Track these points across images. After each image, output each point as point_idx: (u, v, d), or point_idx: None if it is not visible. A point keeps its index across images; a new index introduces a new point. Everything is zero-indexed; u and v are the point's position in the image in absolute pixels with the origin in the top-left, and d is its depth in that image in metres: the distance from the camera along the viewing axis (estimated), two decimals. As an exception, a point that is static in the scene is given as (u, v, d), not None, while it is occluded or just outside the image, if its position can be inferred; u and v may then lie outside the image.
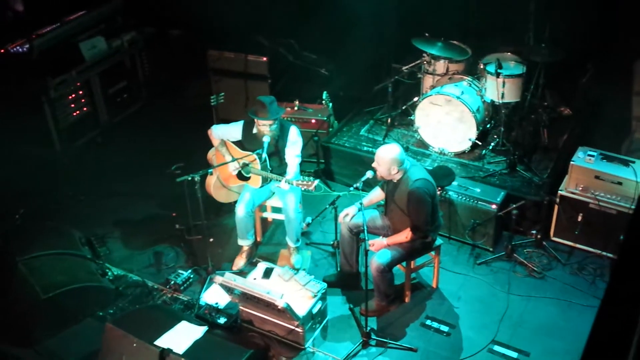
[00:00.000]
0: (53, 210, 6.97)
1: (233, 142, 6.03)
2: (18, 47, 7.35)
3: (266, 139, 5.74)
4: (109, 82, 8.09)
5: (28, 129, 7.48)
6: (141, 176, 7.49)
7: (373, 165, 5.33)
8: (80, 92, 7.74)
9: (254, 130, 5.84)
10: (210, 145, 6.36)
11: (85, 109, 7.83)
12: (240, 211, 5.95)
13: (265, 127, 5.75)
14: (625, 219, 5.84)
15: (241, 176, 6.03)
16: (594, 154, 6.02)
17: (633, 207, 5.78)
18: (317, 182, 5.49)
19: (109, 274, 6.05)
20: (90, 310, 5.65)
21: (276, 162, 5.96)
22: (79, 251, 6.04)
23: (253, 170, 5.91)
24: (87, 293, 5.67)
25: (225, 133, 6.03)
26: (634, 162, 5.94)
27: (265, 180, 5.91)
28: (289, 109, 7.33)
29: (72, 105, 7.65)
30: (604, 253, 6.06)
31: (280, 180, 5.62)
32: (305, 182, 5.49)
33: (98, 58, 7.81)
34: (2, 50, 7.34)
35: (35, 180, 7.34)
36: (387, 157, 5.20)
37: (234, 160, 5.90)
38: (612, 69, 7.03)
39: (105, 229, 6.68)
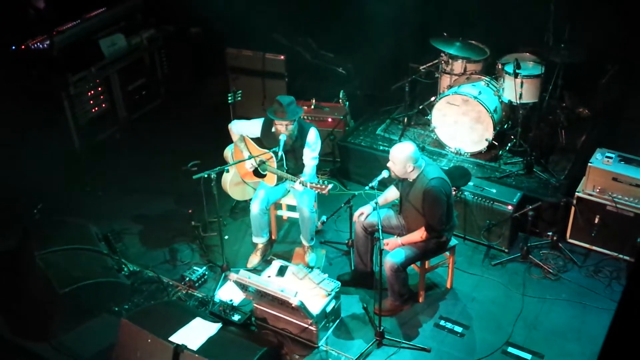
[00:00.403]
0: (71, 205, 7.05)
1: (252, 139, 6.06)
2: (39, 44, 7.44)
3: (282, 137, 5.76)
4: (128, 79, 8.15)
5: (47, 125, 7.58)
6: (158, 173, 7.55)
7: (388, 164, 5.32)
8: (100, 89, 7.81)
9: (273, 129, 5.86)
10: (227, 143, 6.40)
11: (104, 105, 7.90)
12: (255, 208, 5.98)
13: (282, 127, 5.77)
14: (642, 221, 5.80)
15: (257, 173, 6.06)
16: (612, 155, 5.97)
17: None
18: (330, 186, 5.48)
19: (125, 269, 6.10)
20: (106, 305, 5.71)
21: (293, 162, 5.97)
22: (95, 247, 6.08)
23: (269, 168, 5.93)
24: (103, 288, 5.71)
25: (245, 129, 6.07)
26: (652, 164, 5.89)
27: (281, 179, 5.94)
28: (305, 107, 7.34)
29: (91, 102, 7.72)
30: (621, 255, 6.01)
31: (294, 181, 5.64)
32: (319, 186, 5.49)
33: (117, 55, 7.87)
34: (23, 47, 7.42)
35: (54, 175, 7.42)
36: (402, 155, 5.20)
37: (250, 157, 5.93)
38: (632, 70, 6.97)
39: (122, 225, 6.74)
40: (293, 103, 5.79)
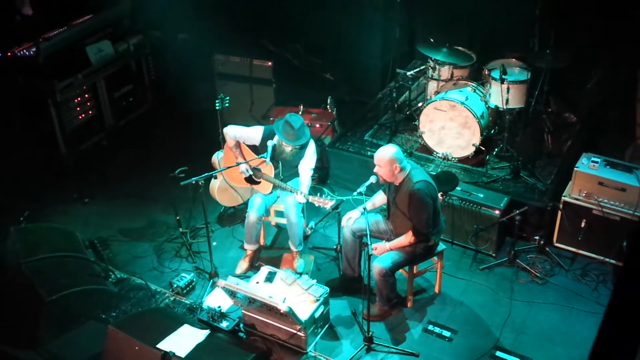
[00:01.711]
0: (58, 212, 7.02)
1: (247, 145, 6.03)
2: (25, 50, 7.40)
3: (270, 143, 5.75)
4: (115, 86, 8.12)
5: (34, 132, 7.55)
6: (145, 179, 7.52)
7: (375, 170, 5.33)
8: (86, 96, 7.77)
9: (274, 141, 5.83)
10: (215, 150, 6.40)
11: (90, 112, 7.86)
12: (253, 217, 5.96)
13: (288, 147, 5.76)
14: (628, 225, 5.83)
15: (251, 180, 6.04)
16: (598, 160, 6.01)
17: (637, 213, 5.77)
18: (333, 202, 5.46)
19: (112, 276, 6.08)
20: (93, 312, 5.67)
21: (288, 171, 5.97)
22: (82, 254, 6.07)
23: (265, 176, 5.91)
24: (90, 296, 5.69)
25: (243, 135, 5.98)
26: (638, 169, 5.92)
27: (275, 187, 5.92)
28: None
29: (78, 109, 7.68)
30: (607, 259, 6.05)
31: (294, 193, 5.62)
32: (322, 200, 5.47)
33: (104, 62, 7.84)
34: (9, 53, 7.39)
35: (40, 182, 7.40)
36: (386, 156, 5.22)
37: (244, 162, 5.90)
38: (617, 75, 7.03)
39: (109, 232, 6.71)
40: (303, 125, 5.75)
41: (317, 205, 5.52)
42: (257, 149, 5.98)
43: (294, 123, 5.68)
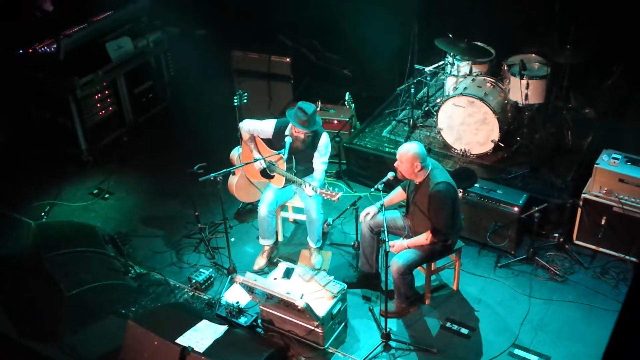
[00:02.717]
0: (78, 208, 7.08)
1: (262, 139, 6.06)
2: (46, 47, 7.49)
3: (288, 140, 5.77)
4: (135, 82, 8.18)
5: (54, 128, 7.64)
6: (164, 175, 7.58)
7: (395, 164, 5.32)
8: (106, 92, 7.84)
9: (287, 132, 5.86)
10: (233, 145, 6.42)
11: (111, 108, 7.92)
12: (263, 211, 5.99)
13: (301, 134, 5.77)
14: (649, 223, 5.79)
15: (265, 174, 6.07)
16: (619, 156, 5.95)
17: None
18: (340, 194, 5.47)
19: (132, 272, 6.13)
20: (112, 307, 5.72)
21: (303, 165, 5.98)
22: (102, 249, 6.13)
23: (278, 170, 5.94)
24: (110, 291, 5.75)
25: (257, 129, 6.04)
26: (659, 165, 5.87)
27: (288, 181, 5.95)
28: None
29: (98, 105, 7.75)
30: (627, 257, 5.99)
31: (303, 185, 5.65)
32: (329, 192, 5.49)
33: (124, 58, 7.89)
34: (30, 50, 7.47)
35: (60, 178, 7.48)
36: (409, 153, 5.20)
37: (260, 158, 5.93)
38: (637, 70, 6.95)
39: (129, 227, 6.77)
40: (315, 112, 5.78)
41: (324, 197, 5.54)
42: (272, 143, 6.00)
43: (306, 109, 5.70)
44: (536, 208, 5.98)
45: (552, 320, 5.54)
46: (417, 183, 5.33)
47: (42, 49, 7.47)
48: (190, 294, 5.96)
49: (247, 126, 6.06)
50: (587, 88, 7.27)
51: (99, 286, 5.65)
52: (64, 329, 5.48)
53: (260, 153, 6.06)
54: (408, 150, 5.22)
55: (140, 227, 6.79)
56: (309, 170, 5.99)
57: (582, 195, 6.08)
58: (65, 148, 7.73)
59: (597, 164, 5.97)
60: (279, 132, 5.94)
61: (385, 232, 5.07)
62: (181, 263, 6.32)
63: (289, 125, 5.84)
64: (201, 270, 6.09)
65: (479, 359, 5.24)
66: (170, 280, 6.08)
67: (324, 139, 5.91)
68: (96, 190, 7.34)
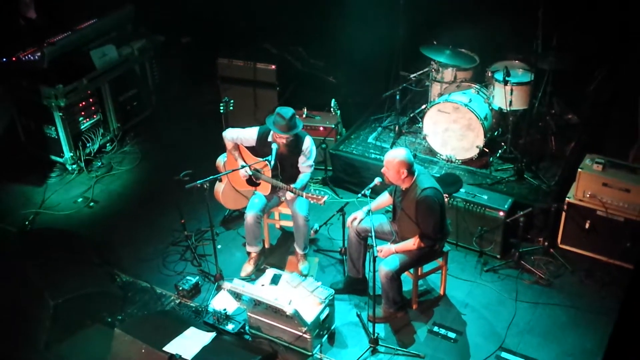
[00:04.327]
0: (62, 216, 7.03)
1: (246, 147, 6.07)
2: (30, 55, 7.44)
3: (274, 146, 5.78)
4: (119, 90, 8.14)
5: (39, 136, 7.59)
6: (150, 183, 7.56)
7: (382, 170, 5.35)
8: (91, 100, 7.80)
9: (269, 138, 5.87)
10: (219, 152, 6.41)
11: (95, 116, 7.88)
12: (250, 218, 5.98)
13: (281, 140, 5.79)
14: (633, 226, 5.84)
15: (251, 182, 6.07)
16: (602, 161, 6.02)
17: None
18: (326, 197, 5.51)
19: (118, 280, 6.10)
20: (98, 316, 5.68)
21: (288, 171, 5.99)
22: (87, 257, 6.09)
23: (262, 177, 5.95)
24: (96, 299, 5.71)
25: (240, 137, 6.06)
26: (641, 169, 5.95)
27: (274, 188, 5.95)
28: (297, 116, 7.35)
29: (83, 113, 7.71)
30: (612, 260, 6.05)
31: (286, 189, 5.67)
32: (315, 196, 5.52)
33: (109, 66, 7.86)
34: (14, 58, 7.42)
35: (45, 186, 7.44)
36: (395, 159, 5.22)
37: (244, 166, 5.94)
38: (619, 76, 7.04)
39: (114, 235, 6.72)
40: (294, 116, 5.79)
41: (312, 201, 5.56)
42: (256, 150, 6.01)
43: (284, 114, 5.72)
44: (521, 212, 6.03)
45: (538, 323, 5.58)
46: (404, 189, 5.36)
47: (27, 57, 7.42)
48: (177, 301, 5.93)
49: (230, 135, 6.07)
50: (570, 94, 7.35)
51: (84, 294, 5.61)
52: (49, 337, 5.42)
53: (244, 161, 6.06)
54: (395, 157, 5.24)
55: (126, 234, 6.75)
56: (295, 176, 5.99)
57: (567, 199, 6.14)
58: (50, 156, 7.68)
59: (580, 168, 6.04)
60: (262, 139, 5.96)
61: (373, 237, 5.09)
62: (168, 271, 6.29)
63: (271, 132, 5.85)
64: (188, 277, 6.06)
65: (466, 363, 5.28)
66: (157, 288, 6.05)
67: (307, 143, 5.93)
68: (81, 199, 7.29)
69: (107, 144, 8.10)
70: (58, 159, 7.66)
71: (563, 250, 6.27)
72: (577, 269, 6.08)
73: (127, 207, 7.21)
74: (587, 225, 6.08)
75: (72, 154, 7.61)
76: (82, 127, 7.72)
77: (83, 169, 7.71)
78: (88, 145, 7.79)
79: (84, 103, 7.70)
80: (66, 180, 7.60)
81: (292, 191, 5.70)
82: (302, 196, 5.62)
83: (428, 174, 5.45)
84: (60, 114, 7.36)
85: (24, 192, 7.34)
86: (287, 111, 5.76)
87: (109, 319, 5.66)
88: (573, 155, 6.88)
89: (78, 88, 7.52)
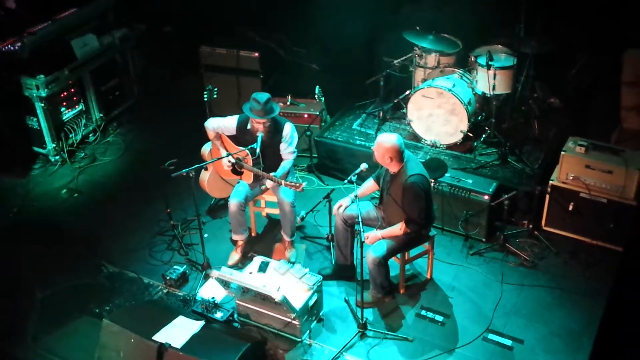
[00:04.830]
0: (47, 207, 6.98)
1: (228, 136, 6.05)
2: (10, 46, 7.33)
3: (259, 135, 5.78)
4: (101, 80, 8.08)
5: (21, 127, 7.51)
6: (135, 172, 7.52)
7: (372, 148, 5.38)
8: (73, 90, 7.73)
9: (249, 126, 5.87)
10: (204, 141, 6.39)
11: (77, 106, 7.81)
12: (233, 206, 5.97)
13: (259, 125, 5.78)
14: (615, 207, 5.91)
15: (235, 171, 6.06)
16: (585, 143, 6.07)
17: (624, 196, 5.85)
18: (304, 183, 5.53)
19: (105, 270, 6.07)
20: (86, 307, 5.66)
21: (270, 158, 5.98)
22: (74, 248, 6.06)
23: (245, 166, 5.94)
24: (83, 290, 5.70)
25: (220, 126, 6.05)
26: (623, 151, 6.01)
27: (257, 177, 5.94)
28: (281, 104, 7.34)
29: (65, 103, 7.64)
30: (595, 241, 6.13)
31: (265, 177, 5.67)
32: (293, 184, 5.54)
33: (90, 55, 7.78)
34: (-6, 49, 7.34)
35: (29, 177, 7.37)
36: (384, 144, 5.26)
37: (227, 155, 5.93)
38: (602, 59, 7.09)
39: (100, 226, 6.68)
40: (270, 101, 5.79)
41: (291, 189, 5.59)
42: (237, 139, 6.00)
43: (260, 98, 5.72)
44: (506, 196, 6.08)
45: (524, 304, 5.65)
46: (392, 173, 5.38)
47: (6, 47, 7.32)
48: (165, 291, 5.92)
49: (211, 125, 6.07)
50: (552, 78, 7.40)
51: (71, 286, 5.60)
52: (37, 329, 5.40)
53: (227, 150, 6.05)
54: (384, 142, 5.27)
55: (112, 225, 6.71)
56: (277, 164, 5.98)
57: (550, 182, 6.20)
58: (32, 147, 7.61)
59: (563, 151, 6.09)
60: (242, 128, 5.95)
61: (360, 222, 5.11)
62: (155, 261, 6.27)
63: (250, 119, 5.84)
64: (175, 267, 6.05)
65: (454, 345, 5.32)
66: (144, 278, 6.04)
67: (288, 128, 5.93)
68: (65, 190, 7.23)
69: (90, 135, 8.05)
70: (41, 150, 7.59)
71: (547, 232, 6.33)
72: (561, 251, 6.15)
73: (111, 197, 7.17)
74: (570, 208, 6.14)
75: (54, 145, 7.55)
76: (64, 117, 7.65)
77: (66, 160, 7.65)
78: (71, 136, 7.74)
79: (65, 93, 7.63)
80: (49, 171, 7.54)
81: (271, 179, 5.70)
82: (281, 184, 5.62)
83: (417, 160, 5.48)
84: (42, 104, 7.29)
85: (6, 185, 7.27)
86: (263, 96, 5.76)
87: (97, 310, 5.64)
88: (556, 138, 6.92)
89: (59, 78, 7.44)
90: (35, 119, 7.40)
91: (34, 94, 7.23)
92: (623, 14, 6.67)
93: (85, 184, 7.37)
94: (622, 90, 6.83)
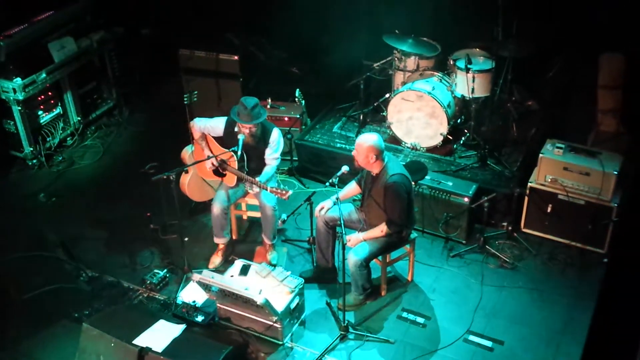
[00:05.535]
0: (25, 211, 6.89)
1: (214, 137, 6.03)
2: (-14, 49, 7.25)
3: (241, 137, 5.76)
4: (79, 83, 8.00)
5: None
6: (114, 176, 7.47)
7: (353, 153, 5.39)
8: (50, 94, 7.65)
9: (236, 128, 5.84)
10: (184, 144, 6.36)
11: (55, 110, 7.74)
12: (216, 209, 5.95)
13: (245, 129, 5.76)
14: (593, 209, 5.99)
15: (217, 172, 6.04)
16: (562, 146, 6.14)
17: (601, 197, 5.93)
18: (290, 192, 5.51)
19: (84, 275, 6.01)
20: (65, 311, 5.60)
21: (254, 162, 5.96)
22: (52, 252, 6.00)
23: (229, 168, 5.92)
24: (62, 295, 5.64)
25: (208, 127, 6.02)
26: (600, 153, 6.09)
27: (240, 180, 5.93)
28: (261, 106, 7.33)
29: (42, 107, 7.56)
30: (573, 243, 6.20)
31: (250, 183, 5.66)
32: (279, 191, 5.52)
33: (67, 59, 7.71)
34: (-30, 52, 7.24)
35: (6, 182, 7.28)
36: (365, 144, 5.27)
37: (210, 157, 5.91)
38: (579, 63, 7.19)
39: (79, 230, 6.62)
40: (257, 106, 5.76)
41: (276, 196, 5.58)
42: (224, 141, 5.98)
43: (247, 103, 5.71)
44: (485, 198, 6.13)
45: (504, 306, 5.69)
46: (374, 175, 5.40)
47: (-18, 50, 7.24)
48: (145, 295, 5.88)
49: (198, 125, 6.03)
50: (530, 81, 7.49)
51: (50, 290, 5.53)
52: (16, 333, 5.33)
53: (211, 151, 6.03)
54: (364, 142, 5.29)
55: (91, 229, 6.65)
56: (261, 168, 5.98)
57: (529, 184, 6.26)
58: (9, 151, 7.51)
59: (542, 153, 6.15)
60: (229, 130, 5.93)
61: (342, 224, 5.11)
62: (134, 265, 6.22)
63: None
64: (155, 271, 6.01)
65: (435, 347, 5.34)
66: (124, 282, 5.99)
67: (275, 135, 5.91)
68: (42, 194, 7.15)
69: (68, 138, 7.97)
70: (18, 154, 7.50)
71: (526, 234, 6.40)
72: (540, 252, 6.22)
73: (91, 201, 7.11)
74: (549, 209, 6.21)
75: (32, 149, 7.47)
76: (41, 121, 7.58)
77: (44, 164, 7.57)
78: (48, 139, 7.66)
79: (43, 97, 7.56)
80: (27, 175, 7.45)
81: (256, 184, 5.69)
82: (266, 190, 5.61)
83: (397, 161, 5.51)
84: (19, 107, 7.21)
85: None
86: (250, 101, 5.75)
87: (76, 315, 5.58)
88: (534, 140, 7.00)
89: (36, 81, 7.36)
90: (12, 122, 7.33)
91: (11, 97, 7.15)
92: (600, 17, 6.75)
93: (63, 188, 7.30)
94: (599, 93, 6.92)
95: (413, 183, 6.11)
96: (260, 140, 5.89)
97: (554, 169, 6.11)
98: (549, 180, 6.16)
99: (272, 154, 5.94)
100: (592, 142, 6.75)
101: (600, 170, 5.91)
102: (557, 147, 6.14)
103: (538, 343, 5.34)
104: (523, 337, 5.40)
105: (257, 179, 5.75)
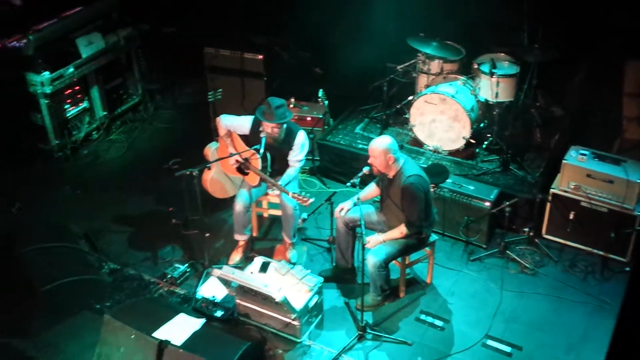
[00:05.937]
0: (50, 204, 6.99)
1: (239, 135, 6.07)
2: (15, 42, 7.35)
3: (263, 135, 5.79)
4: (106, 78, 8.11)
5: (25, 124, 7.53)
6: (138, 171, 7.55)
7: (369, 161, 5.39)
8: (77, 88, 7.75)
9: (261, 128, 5.88)
10: (207, 141, 6.41)
11: (81, 104, 7.84)
12: (238, 206, 5.99)
13: (269, 129, 5.79)
14: (616, 217, 5.94)
15: (240, 170, 6.08)
16: (586, 152, 6.11)
17: (625, 206, 5.88)
18: (312, 200, 5.56)
19: (106, 267, 6.08)
20: (86, 303, 5.66)
21: (278, 164, 6.00)
22: (76, 244, 6.07)
23: (252, 168, 5.95)
24: (84, 286, 5.70)
25: (234, 124, 6.06)
26: (625, 161, 6.04)
27: (262, 180, 5.96)
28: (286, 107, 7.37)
29: (69, 101, 7.67)
30: (595, 250, 6.15)
31: (272, 188, 5.69)
32: (301, 197, 5.55)
33: (95, 54, 7.81)
34: (0, 45, 7.35)
35: (32, 174, 7.38)
36: (380, 147, 5.28)
37: (236, 154, 5.94)
38: (604, 69, 7.14)
39: (102, 223, 6.70)
40: (283, 106, 5.79)
41: (297, 201, 5.62)
42: (249, 139, 6.02)
43: (272, 102, 5.74)
44: (507, 203, 6.10)
45: (523, 312, 5.66)
46: (390, 177, 5.41)
47: (12, 44, 7.34)
48: (166, 289, 5.93)
49: (225, 122, 6.07)
50: (554, 86, 7.45)
51: (72, 282, 5.60)
52: (38, 324, 5.41)
53: (235, 149, 6.07)
54: (379, 145, 5.30)
55: (114, 222, 6.73)
56: (283, 171, 6.00)
57: (551, 190, 6.22)
58: (36, 144, 7.62)
59: (565, 160, 6.12)
60: (255, 129, 5.96)
61: (362, 226, 5.13)
62: (156, 258, 6.28)
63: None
64: (176, 265, 6.07)
65: (452, 350, 5.33)
66: (145, 275, 6.05)
67: (301, 137, 5.92)
68: (68, 186, 7.25)
69: (94, 132, 8.07)
70: (44, 146, 7.60)
71: (548, 240, 6.36)
72: (561, 259, 6.18)
73: (114, 195, 7.18)
74: (571, 216, 6.17)
75: (58, 142, 7.57)
76: (68, 114, 7.68)
77: (69, 157, 7.67)
78: (74, 133, 7.76)
79: (70, 91, 7.66)
80: (52, 168, 7.55)
81: (278, 188, 5.72)
82: (287, 194, 5.63)
83: (413, 162, 5.50)
84: (47, 101, 7.32)
85: (9, 181, 7.27)
86: (276, 100, 5.78)
87: (97, 306, 5.65)
88: (558, 146, 6.97)
89: (64, 75, 7.47)
90: (39, 116, 7.43)
91: (39, 91, 7.26)
92: (625, 24, 6.71)
93: (88, 181, 7.38)
94: (624, 100, 6.88)
95: (433, 186, 6.13)
96: (285, 142, 5.91)
97: (577, 176, 6.07)
98: (572, 186, 6.12)
99: (296, 156, 5.96)
100: (617, 150, 6.71)
101: (625, 178, 5.86)
102: (581, 154, 6.10)
103: (557, 350, 5.30)
104: (542, 343, 5.37)
105: (279, 181, 5.77)
